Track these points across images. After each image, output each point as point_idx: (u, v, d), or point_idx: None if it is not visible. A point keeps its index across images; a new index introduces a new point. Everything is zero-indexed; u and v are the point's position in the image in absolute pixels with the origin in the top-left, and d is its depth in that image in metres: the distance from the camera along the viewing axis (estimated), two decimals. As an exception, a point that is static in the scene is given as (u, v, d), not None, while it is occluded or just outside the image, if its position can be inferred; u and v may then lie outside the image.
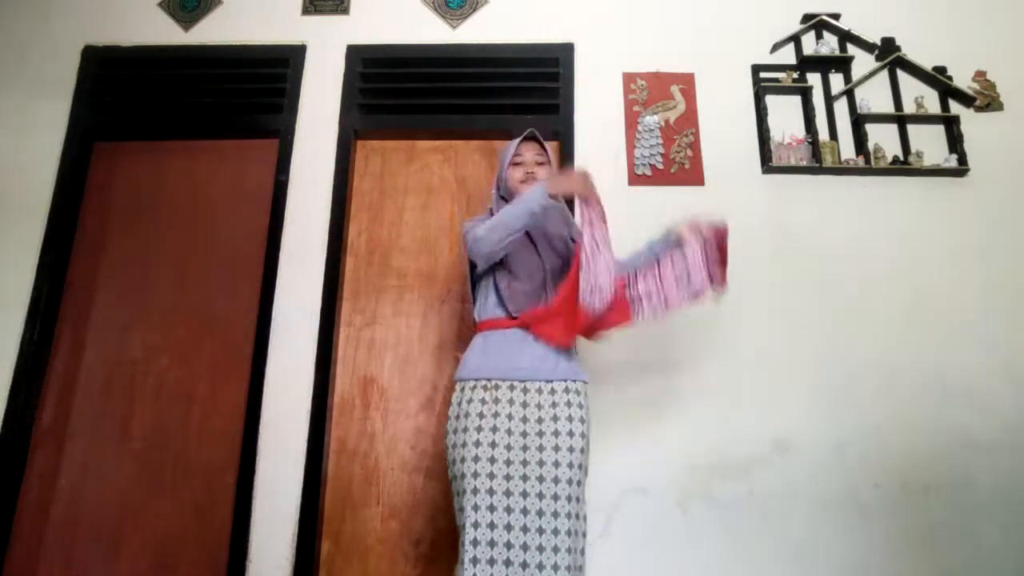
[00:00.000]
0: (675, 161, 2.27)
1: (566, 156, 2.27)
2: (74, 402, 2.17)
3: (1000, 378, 2.07)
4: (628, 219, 2.20)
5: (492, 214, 1.67)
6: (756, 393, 2.06)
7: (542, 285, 1.59)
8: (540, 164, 1.68)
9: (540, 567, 1.38)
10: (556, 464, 1.44)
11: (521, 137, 1.70)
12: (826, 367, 2.08)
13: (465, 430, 1.48)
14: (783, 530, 1.95)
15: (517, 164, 1.69)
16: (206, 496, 2.08)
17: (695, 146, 2.29)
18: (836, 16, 2.38)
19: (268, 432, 2.06)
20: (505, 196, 1.71)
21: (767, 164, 2.25)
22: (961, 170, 2.23)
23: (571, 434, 1.48)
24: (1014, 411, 2.04)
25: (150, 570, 2.03)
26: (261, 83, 2.40)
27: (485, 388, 1.51)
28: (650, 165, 2.27)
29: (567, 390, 1.52)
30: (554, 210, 1.58)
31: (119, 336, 2.23)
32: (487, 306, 1.61)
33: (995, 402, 2.04)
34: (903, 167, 2.24)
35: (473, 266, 1.67)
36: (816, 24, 2.38)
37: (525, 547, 1.39)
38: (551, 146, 2.30)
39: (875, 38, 2.37)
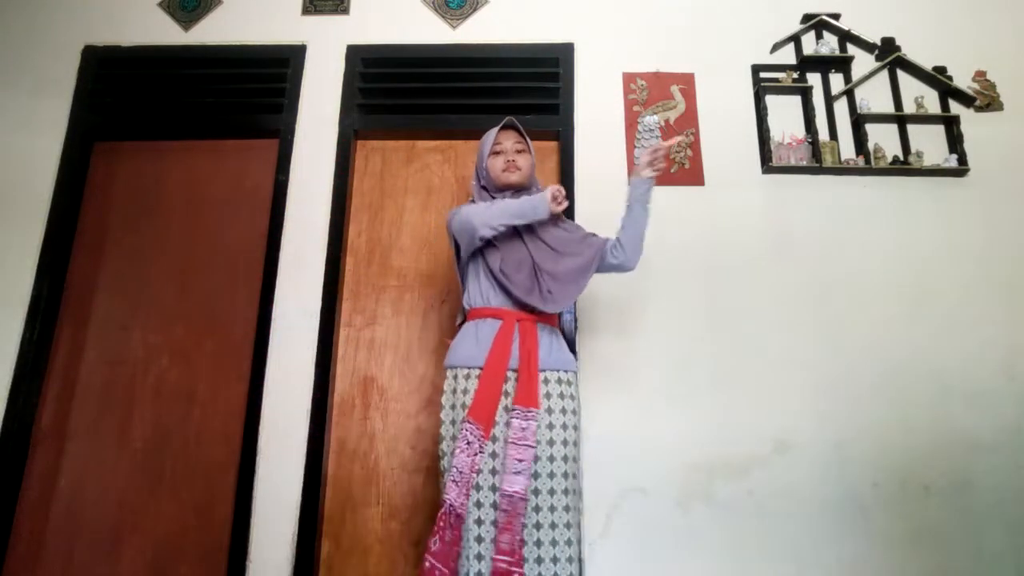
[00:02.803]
0: (675, 161, 2.27)
1: (566, 156, 2.27)
2: (74, 402, 2.17)
3: (1000, 378, 2.07)
4: (628, 219, 2.22)
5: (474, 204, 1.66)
6: (756, 393, 2.06)
7: (532, 275, 1.56)
8: (520, 152, 1.67)
9: (539, 560, 1.38)
10: (551, 459, 1.45)
11: (499, 126, 1.69)
12: (826, 367, 2.08)
13: (457, 421, 1.49)
14: (783, 530, 1.95)
15: (497, 153, 1.67)
16: (206, 496, 2.08)
17: (695, 146, 2.29)
18: (836, 16, 2.38)
19: (268, 432, 2.06)
20: (487, 186, 1.70)
21: (767, 164, 2.25)
22: (961, 170, 2.23)
23: (564, 427, 1.48)
24: (1014, 411, 2.04)
25: (150, 570, 2.03)
26: (261, 83, 2.40)
27: (478, 378, 1.51)
28: (650, 165, 2.26)
29: (559, 380, 1.53)
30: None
31: (119, 336, 2.22)
32: (478, 293, 1.60)
33: (995, 402, 2.04)
34: (903, 167, 2.24)
35: (459, 254, 1.66)
36: (816, 24, 2.38)
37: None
38: (551, 146, 2.32)
39: (875, 38, 2.37)
